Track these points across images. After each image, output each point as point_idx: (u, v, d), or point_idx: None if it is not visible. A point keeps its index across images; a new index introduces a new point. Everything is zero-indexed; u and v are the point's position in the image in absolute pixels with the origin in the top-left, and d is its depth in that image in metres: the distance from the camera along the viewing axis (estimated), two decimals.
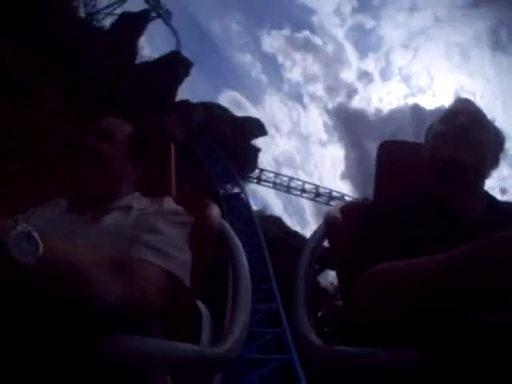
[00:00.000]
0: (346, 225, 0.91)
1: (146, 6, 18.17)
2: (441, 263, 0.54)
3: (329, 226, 0.96)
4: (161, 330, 0.78)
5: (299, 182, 20.80)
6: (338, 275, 0.90)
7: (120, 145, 0.94)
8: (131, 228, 0.81)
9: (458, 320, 0.51)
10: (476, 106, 0.93)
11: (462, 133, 0.85)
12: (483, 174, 0.88)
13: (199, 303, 0.95)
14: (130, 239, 0.77)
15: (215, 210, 1.02)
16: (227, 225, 1.07)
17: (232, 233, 1.06)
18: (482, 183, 0.89)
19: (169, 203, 0.92)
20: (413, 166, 1.01)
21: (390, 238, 0.75)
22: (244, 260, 0.98)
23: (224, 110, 20.04)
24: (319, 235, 1.02)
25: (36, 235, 0.48)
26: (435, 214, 0.82)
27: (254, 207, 16.33)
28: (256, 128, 20.13)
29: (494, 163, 0.91)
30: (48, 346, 0.47)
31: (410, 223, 0.78)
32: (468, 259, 0.51)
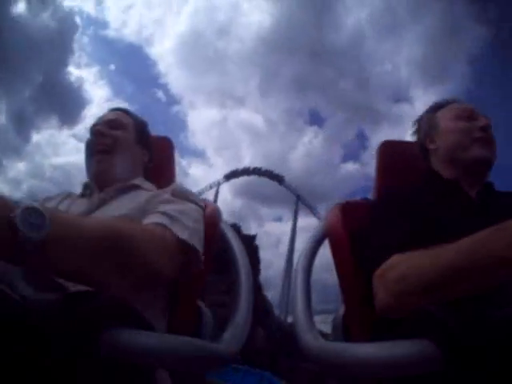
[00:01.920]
0: (346, 224, 0.91)
1: None
2: (459, 252, 0.55)
3: (329, 226, 0.96)
4: (164, 328, 0.79)
5: None
6: (339, 274, 0.90)
7: (130, 130, 0.99)
8: (143, 204, 0.82)
9: (465, 313, 0.51)
10: None
11: (486, 132, 0.92)
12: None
13: (200, 303, 0.96)
14: (143, 212, 0.77)
15: (216, 212, 1.02)
16: (228, 226, 1.07)
17: (233, 234, 1.06)
18: None
19: (176, 185, 0.93)
20: (413, 166, 1.02)
21: (393, 230, 0.75)
22: (245, 260, 0.98)
23: None
24: (319, 234, 1.02)
25: (42, 210, 0.48)
26: (443, 197, 0.85)
27: None
28: None
29: None
30: (52, 339, 0.47)
31: (417, 209, 0.80)
32: (482, 247, 0.52)
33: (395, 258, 0.65)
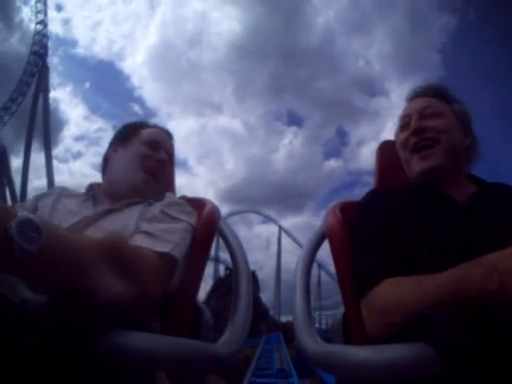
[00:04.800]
0: (346, 224, 0.90)
1: None
2: (441, 286, 0.57)
3: (329, 226, 0.96)
4: (159, 328, 0.79)
5: None
6: (339, 275, 0.89)
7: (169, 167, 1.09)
8: (136, 221, 0.86)
9: (463, 317, 0.52)
10: (430, 92, 0.94)
11: (419, 134, 0.87)
12: (460, 158, 0.89)
13: (199, 302, 0.96)
14: (133, 231, 0.81)
15: (216, 210, 1.02)
16: (228, 225, 1.07)
17: (233, 233, 1.06)
18: (463, 168, 0.91)
19: (170, 197, 0.99)
20: None
21: (384, 233, 0.76)
22: (245, 259, 0.98)
23: None
24: (319, 235, 1.02)
25: (38, 223, 0.48)
26: (428, 204, 0.82)
27: None
28: None
29: (469, 135, 0.92)
30: (48, 341, 0.47)
31: (402, 216, 0.79)
32: (462, 281, 0.55)
33: (379, 289, 0.67)
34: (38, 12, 26.29)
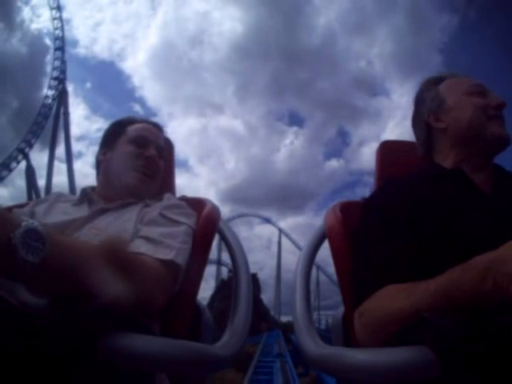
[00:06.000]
0: (346, 224, 0.90)
1: None
2: (435, 295, 0.57)
3: (329, 226, 0.96)
4: (159, 328, 0.79)
5: None
6: (339, 275, 0.89)
7: (163, 161, 1.05)
8: (135, 223, 0.85)
9: (463, 320, 0.52)
10: None
11: (502, 109, 0.85)
12: None
13: (199, 302, 0.96)
14: (133, 234, 0.80)
15: (216, 210, 1.02)
16: (228, 226, 1.07)
17: (233, 233, 1.06)
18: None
19: (169, 198, 0.97)
20: (413, 166, 1.01)
21: (394, 226, 0.74)
22: (245, 261, 0.98)
23: None
24: (319, 235, 1.02)
25: (43, 232, 0.48)
26: (450, 189, 0.80)
27: None
28: None
29: None
30: (48, 344, 0.47)
31: (420, 201, 0.76)
32: (455, 289, 0.55)
33: (372, 304, 0.67)
34: (56, 39, 27.37)
